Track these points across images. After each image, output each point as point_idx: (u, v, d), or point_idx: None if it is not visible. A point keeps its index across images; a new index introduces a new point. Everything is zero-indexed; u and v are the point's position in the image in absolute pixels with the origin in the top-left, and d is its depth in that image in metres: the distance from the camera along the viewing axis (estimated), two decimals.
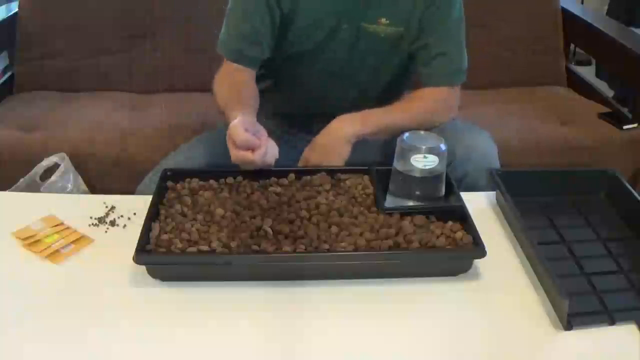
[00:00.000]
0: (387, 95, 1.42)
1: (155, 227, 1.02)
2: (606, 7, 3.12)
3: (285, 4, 1.29)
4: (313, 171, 1.19)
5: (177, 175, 1.17)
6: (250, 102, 1.27)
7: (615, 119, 1.88)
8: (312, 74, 1.38)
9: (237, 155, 1.10)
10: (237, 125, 1.09)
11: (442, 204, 1.11)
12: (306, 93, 1.42)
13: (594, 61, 3.00)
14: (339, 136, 1.26)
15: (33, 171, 1.59)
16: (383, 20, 1.30)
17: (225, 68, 1.35)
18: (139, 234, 0.99)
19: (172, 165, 1.24)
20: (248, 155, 1.09)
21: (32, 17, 2.05)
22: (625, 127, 1.84)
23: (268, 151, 1.11)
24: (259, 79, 1.48)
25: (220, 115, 1.28)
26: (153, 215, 1.05)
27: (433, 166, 1.07)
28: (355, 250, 0.99)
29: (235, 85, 1.31)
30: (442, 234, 1.02)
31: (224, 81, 1.33)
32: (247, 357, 0.85)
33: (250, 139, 1.09)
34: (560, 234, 1.10)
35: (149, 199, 1.09)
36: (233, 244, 0.99)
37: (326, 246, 1.00)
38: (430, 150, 1.07)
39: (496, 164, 1.32)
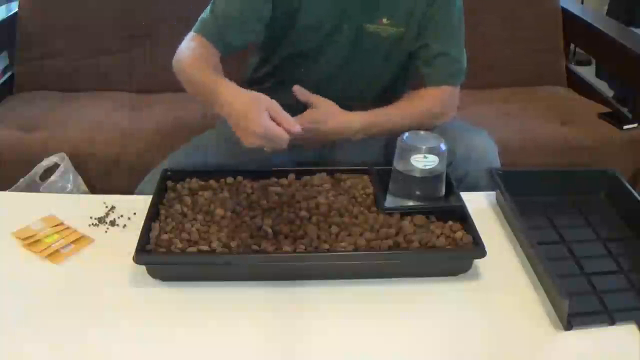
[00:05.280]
0: (387, 94, 1.41)
1: (155, 227, 1.02)
2: (606, 7, 3.11)
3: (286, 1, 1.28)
4: (313, 171, 1.19)
5: (177, 175, 1.17)
6: None
7: (615, 119, 1.88)
8: (313, 74, 1.38)
9: (269, 126, 1.02)
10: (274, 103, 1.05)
11: (442, 204, 1.11)
12: None
13: (594, 61, 3.00)
14: (340, 137, 1.26)
15: (33, 171, 1.59)
16: (384, 20, 1.30)
17: (199, 43, 1.28)
18: (139, 234, 0.99)
19: (172, 166, 1.23)
20: (278, 129, 1.02)
21: (32, 17, 2.04)
22: (625, 127, 1.84)
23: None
24: (259, 79, 1.48)
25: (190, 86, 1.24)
26: (153, 215, 1.05)
27: (433, 166, 1.07)
28: (355, 250, 0.99)
29: (213, 63, 1.25)
30: (442, 234, 1.03)
31: (199, 59, 1.25)
32: (247, 357, 0.85)
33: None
34: (560, 234, 1.10)
35: (149, 199, 1.09)
36: (233, 244, 0.99)
37: (326, 246, 1.00)
38: (430, 150, 1.07)
39: (496, 163, 1.32)
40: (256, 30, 1.31)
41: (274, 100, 1.06)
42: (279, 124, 1.03)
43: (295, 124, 1.04)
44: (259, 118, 1.02)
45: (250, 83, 1.52)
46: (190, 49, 1.27)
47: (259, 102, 1.05)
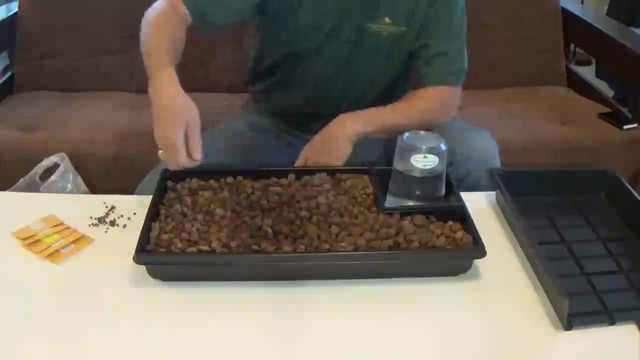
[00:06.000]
0: (388, 94, 1.41)
1: (155, 227, 1.02)
2: (606, 7, 3.12)
3: None
4: (313, 171, 1.19)
5: (177, 175, 1.17)
6: (176, 61, 1.21)
7: (615, 119, 1.88)
8: (313, 73, 1.38)
9: (177, 144, 1.05)
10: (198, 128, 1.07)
11: (442, 204, 1.11)
12: (306, 92, 1.42)
13: (594, 61, 3.00)
14: (340, 135, 1.26)
15: (33, 171, 1.60)
16: (386, 19, 1.30)
17: (172, 7, 1.24)
18: (139, 234, 0.99)
19: None
20: (181, 153, 1.05)
21: (32, 17, 2.05)
22: (625, 127, 1.84)
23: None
24: (258, 77, 1.48)
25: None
26: (153, 215, 1.05)
27: (433, 166, 1.07)
28: (355, 250, 0.99)
29: (175, 35, 1.22)
30: (442, 234, 1.02)
31: (165, 24, 1.23)
32: (247, 357, 0.85)
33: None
34: (560, 234, 1.10)
35: (149, 199, 1.09)
36: (233, 244, 0.99)
37: (326, 246, 1.00)
38: (430, 150, 1.07)
39: (497, 163, 1.32)
40: (242, 12, 1.29)
41: (198, 121, 1.08)
42: (187, 144, 1.06)
43: (198, 153, 1.07)
44: (176, 130, 1.05)
45: (252, 82, 1.52)
46: (160, 10, 1.24)
47: (184, 115, 1.07)
